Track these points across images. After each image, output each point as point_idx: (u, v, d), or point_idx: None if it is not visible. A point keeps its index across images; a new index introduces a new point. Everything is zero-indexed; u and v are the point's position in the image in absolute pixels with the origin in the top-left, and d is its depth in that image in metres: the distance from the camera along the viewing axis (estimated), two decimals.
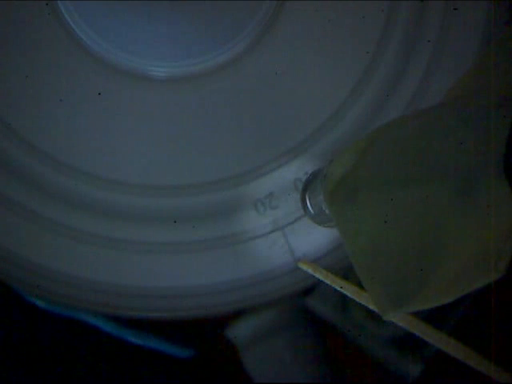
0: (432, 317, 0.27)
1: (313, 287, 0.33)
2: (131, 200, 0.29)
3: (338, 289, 0.26)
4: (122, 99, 0.30)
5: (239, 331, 0.34)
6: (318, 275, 0.27)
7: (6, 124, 0.29)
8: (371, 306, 0.25)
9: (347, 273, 0.28)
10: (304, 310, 0.34)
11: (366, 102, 0.30)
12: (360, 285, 0.23)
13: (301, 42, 0.30)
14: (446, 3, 0.30)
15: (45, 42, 0.29)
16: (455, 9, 0.30)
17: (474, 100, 0.22)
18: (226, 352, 0.35)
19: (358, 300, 0.26)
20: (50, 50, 0.29)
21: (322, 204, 0.25)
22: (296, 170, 0.30)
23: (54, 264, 0.29)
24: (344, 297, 0.26)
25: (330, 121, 0.30)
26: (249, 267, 0.30)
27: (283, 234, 0.30)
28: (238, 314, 0.33)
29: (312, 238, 0.30)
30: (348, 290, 0.26)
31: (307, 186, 0.26)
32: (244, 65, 0.30)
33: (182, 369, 0.35)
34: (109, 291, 0.29)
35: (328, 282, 0.27)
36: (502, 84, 0.22)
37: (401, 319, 0.25)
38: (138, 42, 0.29)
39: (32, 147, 0.29)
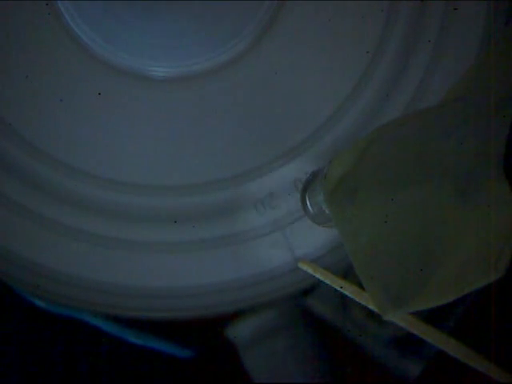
0: (432, 317, 0.27)
1: (313, 287, 0.33)
2: (131, 200, 0.29)
3: (338, 289, 0.26)
4: (122, 99, 0.30)
5: (239, 331, 0.34)
6: (318, 275, 0.27)
7: (6, 124, 0.29)
8: (371, 306, 0.25)
9: (347, 273, 0.28)
10: (304, 309, 0.34)
11: (366, 102, 0.30)
12: (360, 285, 0.23)
13: (301, 42, 0.30)
14: (446, 3, 0.30)
15: (45, 42, 0.29)
16: (455, 9, 0.30)
17: (474, 100, 0.22)
18: (226, 352, 0.35)
19: (357, 300, 0.26)
20: (49, 50, 0.29)
21: (321, 204, 0.25)
22: (296, 169, 0.30)
23: (54, 264, 0.29)
24: (344, 297, 0.26)
25: (330, 121, 0.30)
26: (249, 267, 0.30)
27: (283, 234, 0.30)
28: (237, 314, 0.33)
29: (312, 238, 0.30)
30: (348, 290, 0.26)
31: (307, 186, 0.26)
32: (244, 65, 0.30)
33: (182, 369, 0.35)
34: (109, 291, 0.29)
35: (328, 282, 0.27)
36: (502, 84, 0.22)
37: (401, 319, 0.25)
38: (138, 41, 0.29)
39: (32, 147, 0.29)
